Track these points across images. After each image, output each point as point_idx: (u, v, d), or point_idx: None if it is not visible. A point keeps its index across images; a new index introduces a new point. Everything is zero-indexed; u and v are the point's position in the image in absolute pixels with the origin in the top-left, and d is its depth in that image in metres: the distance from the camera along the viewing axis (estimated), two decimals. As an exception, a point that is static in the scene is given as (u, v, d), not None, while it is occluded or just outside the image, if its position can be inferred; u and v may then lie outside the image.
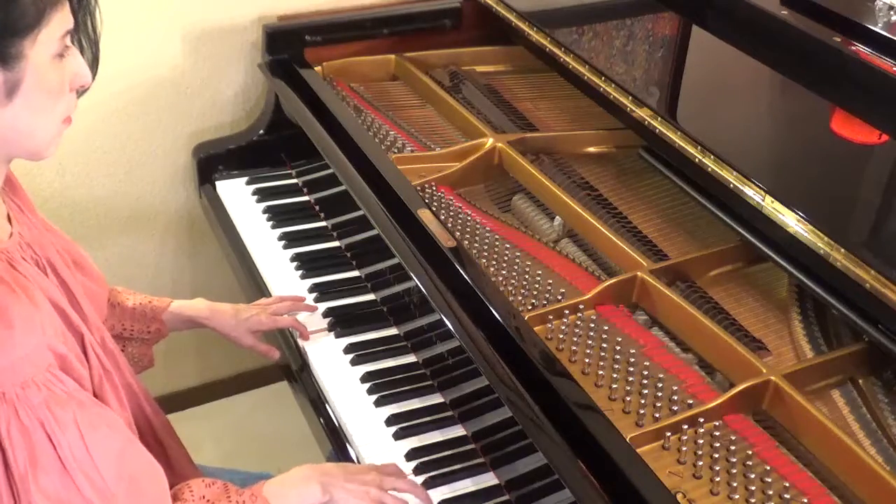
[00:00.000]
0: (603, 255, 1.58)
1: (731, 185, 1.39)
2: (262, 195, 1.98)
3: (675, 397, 1.31)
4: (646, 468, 1.15)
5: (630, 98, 1.59)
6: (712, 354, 1.37)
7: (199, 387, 2.51)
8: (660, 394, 1.31)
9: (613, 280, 1.47)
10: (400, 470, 1.36)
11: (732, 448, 1.24)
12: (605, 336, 1.40)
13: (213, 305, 1.58)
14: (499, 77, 2.08)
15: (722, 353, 1.35)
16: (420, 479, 1.37)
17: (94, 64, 1.14)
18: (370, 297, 1.71)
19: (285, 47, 2.00)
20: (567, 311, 1.43)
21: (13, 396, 1.02)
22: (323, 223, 1.91)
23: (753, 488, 1.19)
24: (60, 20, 1.02)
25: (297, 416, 1.65)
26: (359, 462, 1.42)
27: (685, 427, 1.26)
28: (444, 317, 1.41)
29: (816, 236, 1.27)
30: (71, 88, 1.08)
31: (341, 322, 1.65)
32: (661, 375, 1.34)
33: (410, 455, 1.41)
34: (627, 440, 1.20)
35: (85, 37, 1.13)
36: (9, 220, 1.14)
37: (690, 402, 1.30)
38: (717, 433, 1.26)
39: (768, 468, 1.22)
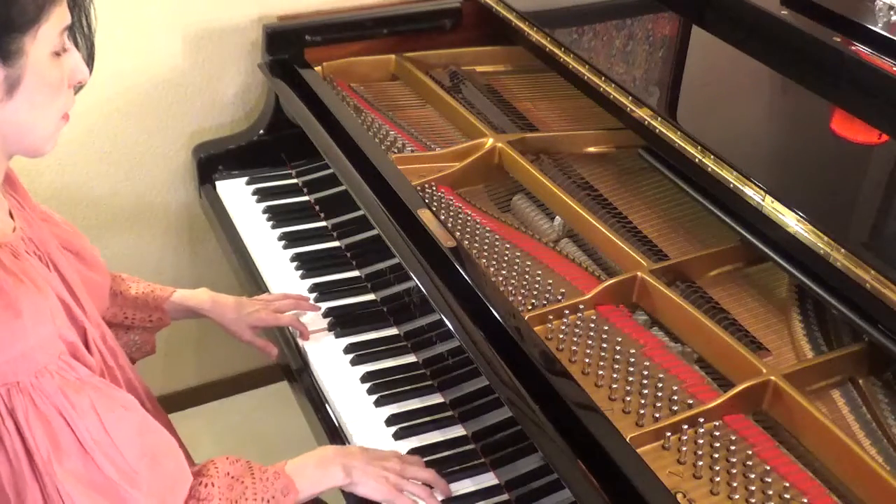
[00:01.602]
0: (603, 255, 1.58)
1: (731, 185, 1.39)
2: (262, 195, 1.98)
3: (675, 397, 1.31)
4: (646, 468, 1.15)
5: (630, 98, 1.59)
6: (712, 354, 1.37)
7: (199, 387, 2.51)
8: (660, 394, 1.31)
9: (613, 280, 1.47)
10: (422, 462, 1.36)
11: (732, 448, 1.24)
12: (605, 336, 1.40)
13: (215, 297, 1.58)
14: (499, 77, 2.08)
15: (722, 353, 1.35)
16: (420, 479, 1.38)
17: (89, 60, 1.15)
18: (370, 297, 1.71)
19: (285, 47, 2.00)
20: (567, 311, 1.43)
21: (28, 386, 1.03)
22: (323, 223, 1.91)
23: (753, 488, 1.19)
24: (59, 16, 1.03)
25: (297, 416, 1.65)
26: (359, 462, 1.42)
27: (685, 427, 1.26)
28: (444, 317, 1.41)
29: (816, 236, 1.27)
30: (69, 84, 1.09)
31: (341, 322, 1.65)
32: (661, 375, 1.34)
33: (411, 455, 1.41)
34: (627, 440, 1.20)
35: (80, 33, 1.14)
36: (10, 215, 1.15)
37: (690, 402, 1.30)
38: (717, 433, 1.26)
39: (768, 468, 1.22)
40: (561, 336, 1.41)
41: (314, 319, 1.65)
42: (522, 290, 1.49)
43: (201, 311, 1.57)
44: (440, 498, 1.33)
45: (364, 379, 1.54)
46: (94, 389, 1.08)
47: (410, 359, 1.58)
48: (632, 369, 1.35)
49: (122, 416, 1.10)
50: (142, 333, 1.53)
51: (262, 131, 2.07)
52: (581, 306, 1.44)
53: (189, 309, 1.56)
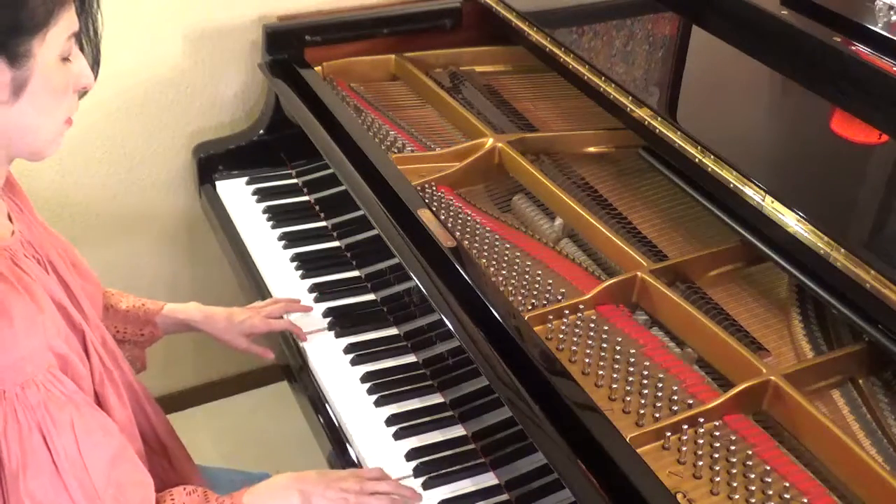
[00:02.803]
0: (603, 255, 1.58)
1: (731, 185, 1.39)
2: (262, 195, 1.98)
3: (675, 397, 1.31)
4: (646, 468, 1.15)
5: (630, 98, 1.59)
6: (712, 354, 1.37)
7: (199, 387, 2.51)
8: (660, 394, 1.31)
9: (613, 280, 1.47)
10: (384, 473, 1.35)
11: (732, 448, 1.24)
12: (605, 336, 1.40)
13: (206, 310, 1.58)
14: (499, 77, 2.08)
15: (722, 353, 1.35)
16: (420, 479, 1.37)
17: (94, 66, 1.15)
18: (370, 297, 1.71)
19: (285, 47, 2.00)
20: (567, 311, 1.43)
21: (13, 396, 1.03)
22: (323, 223, 1.91)
23: (753, 488, 1.19)
24: (67, 21, 1.03)
25: (297, 416, 1.65)
26: (359, 462, 1.42)
27: (685, 427, 1.26)
28: (444, 317, 1.41)
29: (816, 236, 1.27)
30: (74, 89, 1.09)
31: (341, 322, 1.65)
32: (661, 375, 1.34)
33: (410, 455, 1.41)
34: (627, 440, 1.20)
35: (86, 39, 1.14)
36: (9, 219, 1.14)
37: (690, 402, 1.30)
38: (717, 433, 1.26)
39: (768, 468, 1.22)
40: (561, 336, 1.41)
41: (314, 320, 1.65)
42: (522, 290, 1.49)
43: (193, 323, 1.56)
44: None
45: (364, 379, 1.54)
46: (76, 408, 1.07)
47: (410, 359, 1.58)
48: (632, 369, 1.35)
49: (99, 440, 1.09)
50: (132, 348, 1.53)
51: (262, 131, 2.07)
52: (581, 306, 1.44)
53: (180, 322, 1.56)
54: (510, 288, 1.49)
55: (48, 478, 1.05)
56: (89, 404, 1.12)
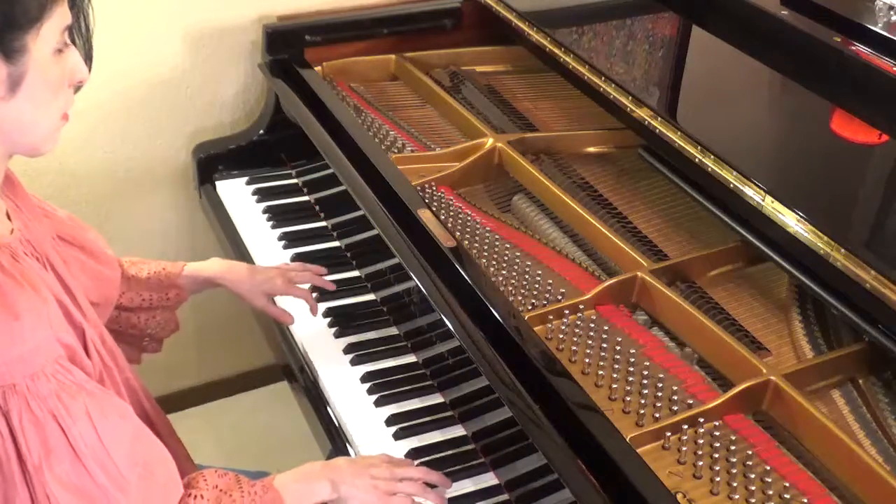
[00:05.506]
0: (603, 255, 1.58)
1: (731, 185, 1.39)
2: (262, 195, 1.98)
3: (675, 397, 1.31)
4: (646, 468, 1.15)
5: (630, 98, 1.59)
6: (712, 354, 1.37)
7: (199, 387, 2.51)
8: (660, 394, 1.31)
9: (613, 280, 1.47)
10: (410, 461, 1.36)
11: (732, 448, 1.24)
12: (605, 336, 1.40)
13: (228, 263, 1.58)
14: (499, 77, 2.08)
15: (722, 353, 1.35)
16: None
17: (87, 61, 1.15)
18: (370, 297, 1.71)
19: (285, 47, 2.00)
20: (567, 311, 1.43)
21: (24, 388, 1.03)
22: (323, 223, 1.91)
23: (753, 488, 1.19)
24: (60, 15, 1.04)
25: (297, 416, 1.65)
26: (359, 462, 1.42)
27: (685, 427, 1.26)
28: (444, 317, 1.41)
29: (816, 236, 1.27)
30: (69, 84, 1.09)
31: (341, 322, 1.65)
32: (661, 375, 1.34)
33: (410, 455, 1.41)
34: (627, 440, 1.20)
35: (78, 34, 1.14)
36: (8, 217, 1.15)
37: (690, 402, 1.30)
38: (717, 433, 1.26)
39: (768, 468, 1.22)
40: (561, 336, 1.41)
41: (314, 320, 1.65)
42: (522, 290, 1.49)
43: (216, 279, 1.56)
44: (439, 489, 1.33)
45: (364, 379, 1.54)
46: (89, 395, 1.08)
47: (410, 359, 1.58)
48: (632, 369, 1.35)
49: (117, 423, 1.09)
50: (163, 312, 1.53)
51: (262, 131, 2.07)
52: (581, 306, 1.44)
53: (204, 279, 1.55)
54: (510, 288, 1.49)
55: (70, 465, 1.05)
56: (102, 390, 1.12)
